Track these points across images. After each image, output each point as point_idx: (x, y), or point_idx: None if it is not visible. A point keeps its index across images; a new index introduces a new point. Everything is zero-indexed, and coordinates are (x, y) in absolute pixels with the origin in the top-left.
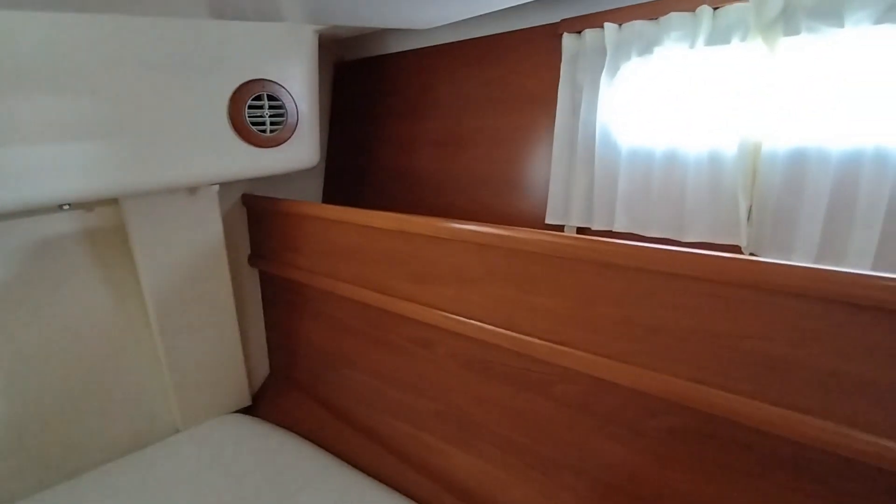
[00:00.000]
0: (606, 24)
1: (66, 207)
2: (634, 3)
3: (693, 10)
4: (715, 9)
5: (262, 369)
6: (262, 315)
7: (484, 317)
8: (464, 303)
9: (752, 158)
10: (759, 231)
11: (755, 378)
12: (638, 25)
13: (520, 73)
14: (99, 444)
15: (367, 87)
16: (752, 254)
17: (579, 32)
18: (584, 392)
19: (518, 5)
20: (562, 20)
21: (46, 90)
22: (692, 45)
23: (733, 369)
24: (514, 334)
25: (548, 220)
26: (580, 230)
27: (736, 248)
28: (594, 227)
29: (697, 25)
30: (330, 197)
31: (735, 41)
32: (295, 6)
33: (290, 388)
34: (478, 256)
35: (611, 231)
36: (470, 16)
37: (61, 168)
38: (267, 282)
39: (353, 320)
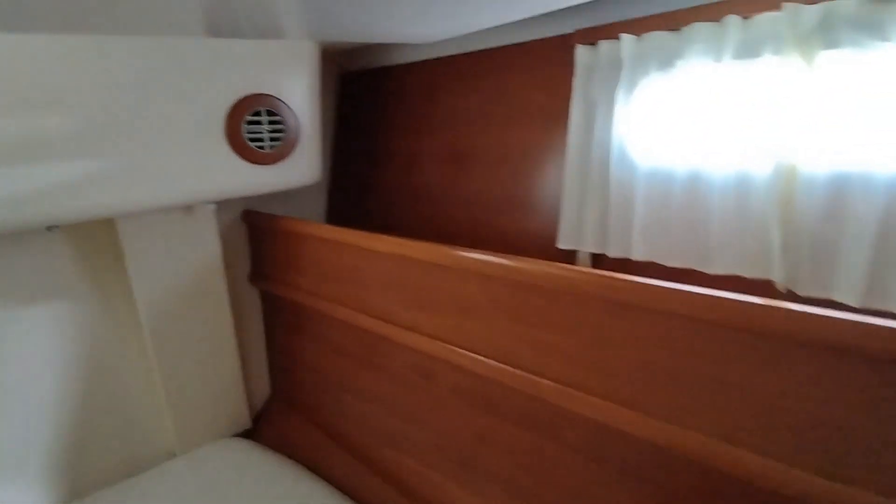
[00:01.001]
0: (623, 36)
1: (55, 229)
2: (654, 13)
3: (719, 19)
4: (744, 18)
5: (264, 390)
6: (264, 334)
7: (487, 351)
8: (466, 334)
9: (787, 183)
10: (794, 265)
11: (795, 443)
12: (658, 37)
13: (530, 86)
14: (93, 470)
15: (372, 99)
16: (787, 290)
17: (594, 44)
18: (594, 439)
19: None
20: (575, 31)
21: (37, 110)
22: (718, 59)
23: (768, 431)
24: (520, 372)
25: (560, 245)
26: (595, 257)
27: (768, 284)
28: (610, 255)
29: (724, 37)
30: (334, 212)
31: (767, 54)
32: (294, 23)
33: (291, 412)
34: (481, 286)
35: (628, 259)
36: (474, 30)
37: (51, 189)
38: (268, 301)
39: (353, 345)
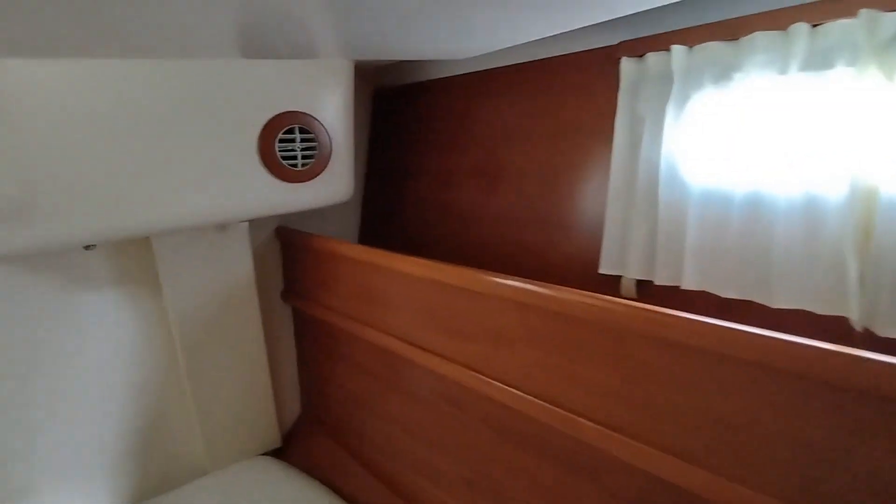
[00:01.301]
0: (674, 47)
1: (92, 248)
2: (708, 22)
3: (784, 28)
4: (813, 27)
5: (294, 408)
6: (295, 352)
7: (521, 384)
8: (499, 365)
9: (865, 207)
10: (874, 300)
11: None
12: (713, 48)
13: (570, 101)
14: (124, 487)
15: (407, 115)
16: (864, 329)
17: (641, 56)
18: (639, 488)
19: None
20: (620, 42)
21: (74, 132)
22: (783, 71)
23: (852, 498)
24: (556, 409)
25: (602, 270)
26: (640, 283)
27: (841, 321)
28: (657, 282)
29: (790, 47)
30: (367, 229)
31: (840, 66)
32: (329, 43)
33: (320, 431)
34: (516, 315)
35: (678, 287)
36: (511, 45)
37: (87, 208)
38: (299, 318)
39: (381, 368)
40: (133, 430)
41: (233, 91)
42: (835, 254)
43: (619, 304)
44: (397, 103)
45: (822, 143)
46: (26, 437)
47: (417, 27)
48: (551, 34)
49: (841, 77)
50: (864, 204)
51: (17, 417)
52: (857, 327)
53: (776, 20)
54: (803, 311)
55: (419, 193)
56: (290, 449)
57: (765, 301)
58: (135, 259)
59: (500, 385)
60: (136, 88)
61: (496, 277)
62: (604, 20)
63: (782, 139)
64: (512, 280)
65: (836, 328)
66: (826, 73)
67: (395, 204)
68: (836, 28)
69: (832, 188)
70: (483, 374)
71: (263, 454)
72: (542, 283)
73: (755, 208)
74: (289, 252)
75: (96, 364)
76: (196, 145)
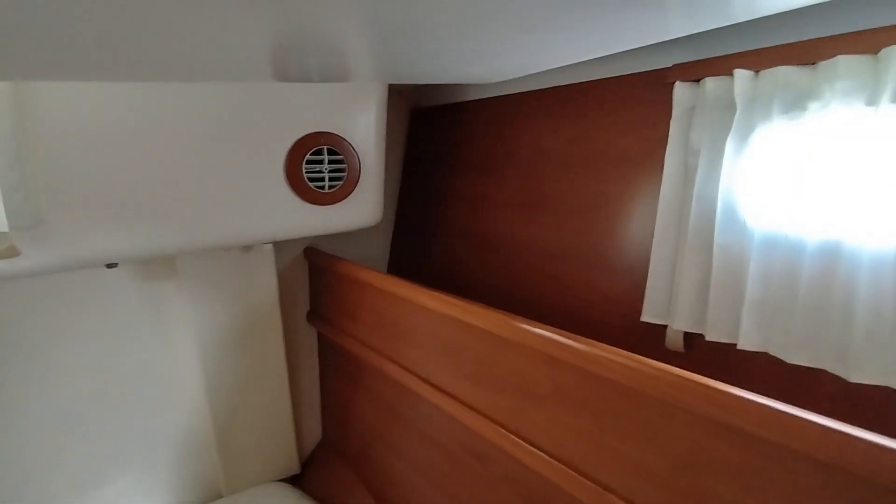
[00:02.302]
0: (737, 72)
1: (113, 266)
2: (778, 44)
3: (874, 52)
4: None
5: (315, 433)
6: (318, 376)
7: (549, 447)
8: (525, 422)
9: None
10: None
11: None
12: (784, 73)
13: (616, 128)
14: None
15: (443, 136)
16: None
17: (697, 81)
18: None
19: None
20: (674, 65)
21: (100, 152)
22: (872, 102)
23: None
24: (588, 482)
25: (644, 318)
26: (689, 335)
27: None
28: (708, 337)
29: (881, 74)
30: (397, 253)
31: None
32: (361, 68)
33: (339, 462)
34: (545, 369)
35: (734, 346)
36: (544, 69)
37: (110, 227)
38: (323, 342)
39: (402, 406)
40: (150, 449)
41: (260, 111)
42: None
43: (666, 372)
44: (435, 123)
45: None
46: (41, 457)
47: (450, 51)
48: (589, 58)
49: None
50: None
51: (34, 436)
52: None
53: (862, 43)
54: (888, 391)
55: (453, 218)
56: (308, 476)
57: (841, 373)
58: (159, 278)
59: (525, 445)
60: (162, 109)
61: (522, 323)
62: (646, 44)
63: (868, 180)
64: (540, 328)
65: None
66: None
67: (428, 228)
68: None
69: None
70: (508, 430)
71: (281, 480)
72: (573, 336)
73: (832, 260)
74: (316, 273)
75: (116, 381)
76: (221, 166)
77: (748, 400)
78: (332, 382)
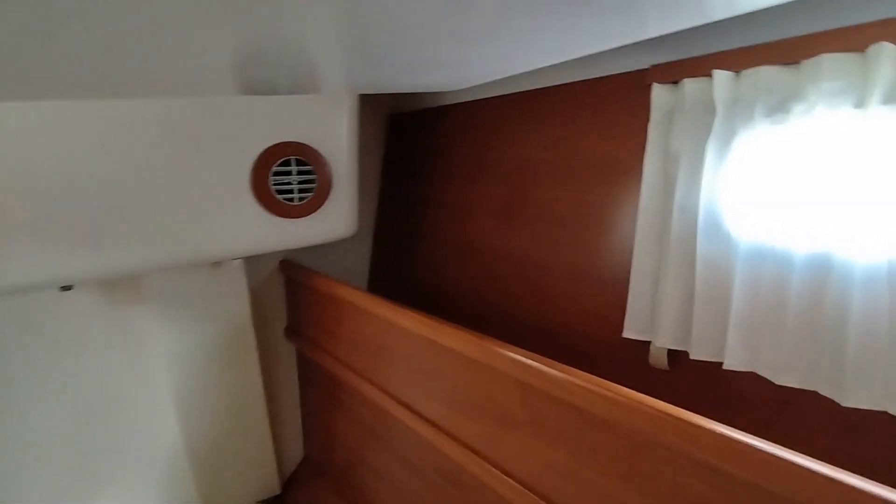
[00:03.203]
0: (716, 72)
1: (68, 289)
2: (759, 42)
3: (861, 48)
4: None
5: (297, 453)
6: (299, 394)
7: (525, 478)
8: (500, 450)
9: None
10: None
11: None
12: (766, 73)
13: (591, 133)
14: None
15: (422, 142)
16: None
17: (675, 82)
18: None
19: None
20: (651, 66)
21: (51, 171)
22: (859, 104)
23: None
24: None
25: (626, 334)
26: (674, 352)
27: None
28: (693, 356)
29: (869, 73)
30: (378, 264)
31: None
32: (329, 79)
33: (321, 483)
34: (519, 395)
35: (720, 365)
36: (514, 73)
37: (67, 250)
38: (303, 359)
39: (382, 429)
40: (123, 476)
41: (221, 123)
42: None
43: (644, 405)
44: (413, 129)
45: None
46: (4, 489)
47: (412, 60)
48: (558, 61)
49: None
50: None
51: None
52: None
53: (849, 39)
54: (886, 416)
55: (434, 228)
56: (289, 497)
57: (834, 396)
58: (124, 298)
59: (502, 475)
60: (117, 123)
61: (494, 346)
62: (619, 46)
63: (858, 188)
64: (512, 352)
65: None
66: None
67: (409, 237)
68: None
69: None
70: (484, 459)
71: (262, 501)
72: (548, 361)
73: (822, 273)
74: (292, 288)
75: (82, 408)
76: (182, 181)
77: (733, 439)
78: (312, 400)
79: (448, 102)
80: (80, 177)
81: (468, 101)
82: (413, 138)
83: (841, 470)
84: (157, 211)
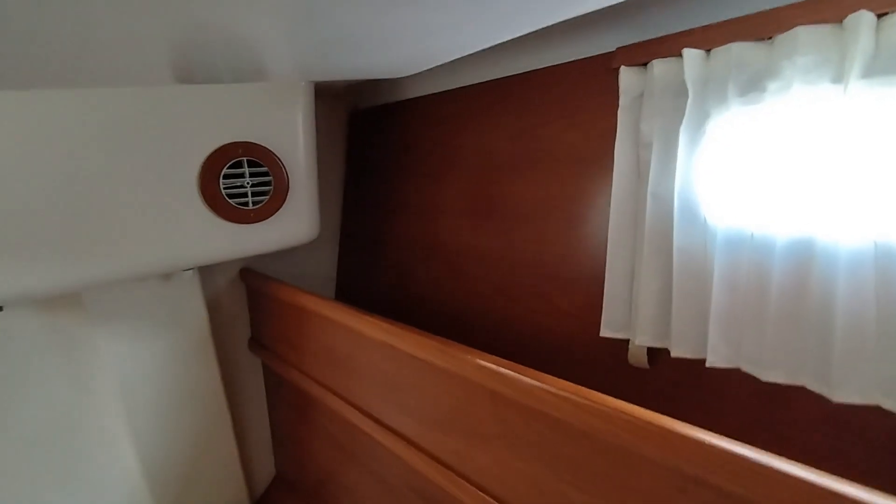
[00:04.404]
0: (686, 51)
1: None
2: (730, 17)
3: (838, 19)
4: (879, 16)
5: (268, 470)
6: (267, 408)
7: (501, 493)
8: (473, 465)
9: None
10: None
11: None
12: (738, 50)
13: (559, 122)
14: None
15: (384, 139)
16: None
17: (644, 65)
18: None
19: (547, 30)
20: (618, 49)
21: None
22: (838, 79)
23: None
24: None
25: (603, 333)
26: (653, 352)
27: None
28: (674, 353)
29: (847, 46)
30: (345, 268)
31: None
32: (278, 65)
33: (293, 500)
34: (489, 405)
35: (703, 362)
36: (471, 51)
37: None
38: (269, 373)
39: (352, 444)
40: (79, 499)
41: (166, 122)
42: None
43: (622, 412)
44: (374, 126)
45: None
46: None
47: (367, 31)
48: (507, 38)
49: None
50: None
51: None
52: None
53: (824, 10)
54: (877, 410)
55: (401, 228)
56: None
57: (822, 391)
58: (64, 317)
59: (477, 491)
60: (45, 121)
61: (459, 351)
62: (570, 17)
63: (838, 168)
64: (479, 357)
65: None
66: None
67: (376, 239)
68: None
69: None
70: (455, 474)
71: None
72: (517, 367)
73: (804, 259)
74: (254, 297)
75: (26, 441)
76: (122, 186)
77: (720, 449)
78: (280, 415)
79: (409, 96)
80: (1, 180)
81: (429, 95)
82: (375, 135)
83: (835, 477)
84: (94, 219)
